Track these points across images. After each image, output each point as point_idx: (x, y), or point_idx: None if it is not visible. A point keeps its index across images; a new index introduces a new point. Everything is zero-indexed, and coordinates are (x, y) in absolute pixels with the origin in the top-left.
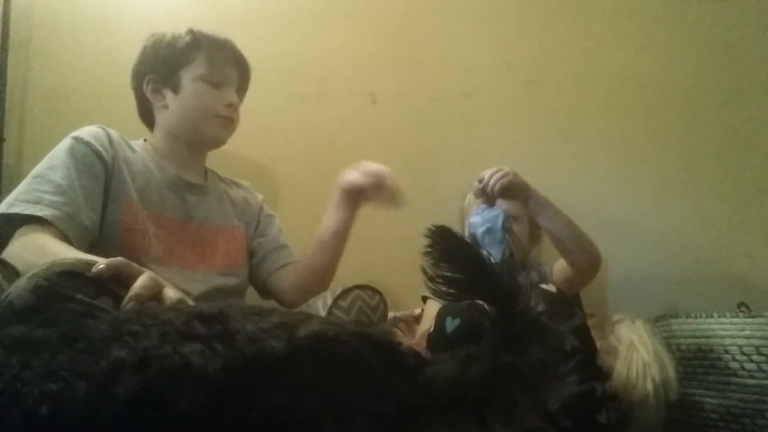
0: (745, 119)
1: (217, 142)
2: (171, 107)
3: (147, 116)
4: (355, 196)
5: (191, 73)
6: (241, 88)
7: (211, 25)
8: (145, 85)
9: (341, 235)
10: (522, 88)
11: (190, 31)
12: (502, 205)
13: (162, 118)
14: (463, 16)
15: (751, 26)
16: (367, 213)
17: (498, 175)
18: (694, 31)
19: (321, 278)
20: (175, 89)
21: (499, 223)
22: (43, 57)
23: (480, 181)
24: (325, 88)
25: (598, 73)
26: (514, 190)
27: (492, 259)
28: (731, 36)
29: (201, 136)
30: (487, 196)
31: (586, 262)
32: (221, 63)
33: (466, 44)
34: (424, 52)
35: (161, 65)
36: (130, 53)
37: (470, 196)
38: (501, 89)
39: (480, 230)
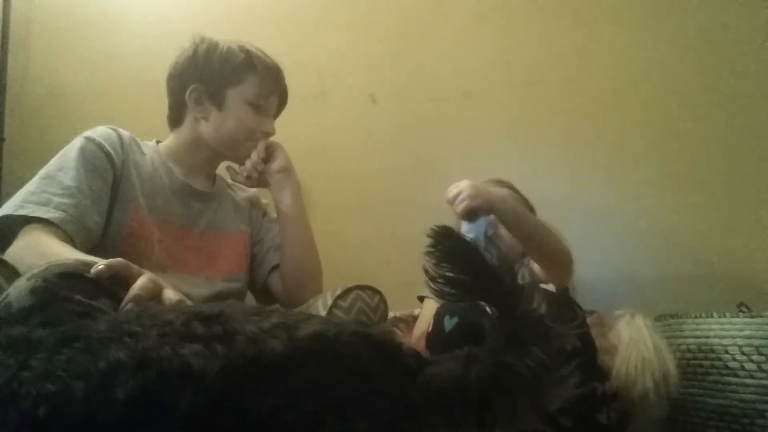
0: (745, 119)
1: (242, 160)
2: (212, 121)
3: (176, 119)
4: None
5: (239, 94)
6: (276, 114)
7: (211, 24)
8: (188, 93)
9: (281, 219)
10: (522, 88)
11: (245, 50)
12: None
13: (196, 127)
14: (463, 17)
15: (751, 26)
16: (366, 213)
17: (455, 202)
18: (695, 31)
19: (297, 268)
20: (220, 105)
21: (482, 231)
22: (43, 57)
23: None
24: (325, 88)
25: (598, 73)
26: (475, 211)
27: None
28: (731, 36)
29: (233, 154)
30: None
31: (556, 267)
32: (270, 91)
33: (466, 44)
34: (424, 52)
35: (210, 77)
36: (129, 53)
37: None
38: (501, 89)
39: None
